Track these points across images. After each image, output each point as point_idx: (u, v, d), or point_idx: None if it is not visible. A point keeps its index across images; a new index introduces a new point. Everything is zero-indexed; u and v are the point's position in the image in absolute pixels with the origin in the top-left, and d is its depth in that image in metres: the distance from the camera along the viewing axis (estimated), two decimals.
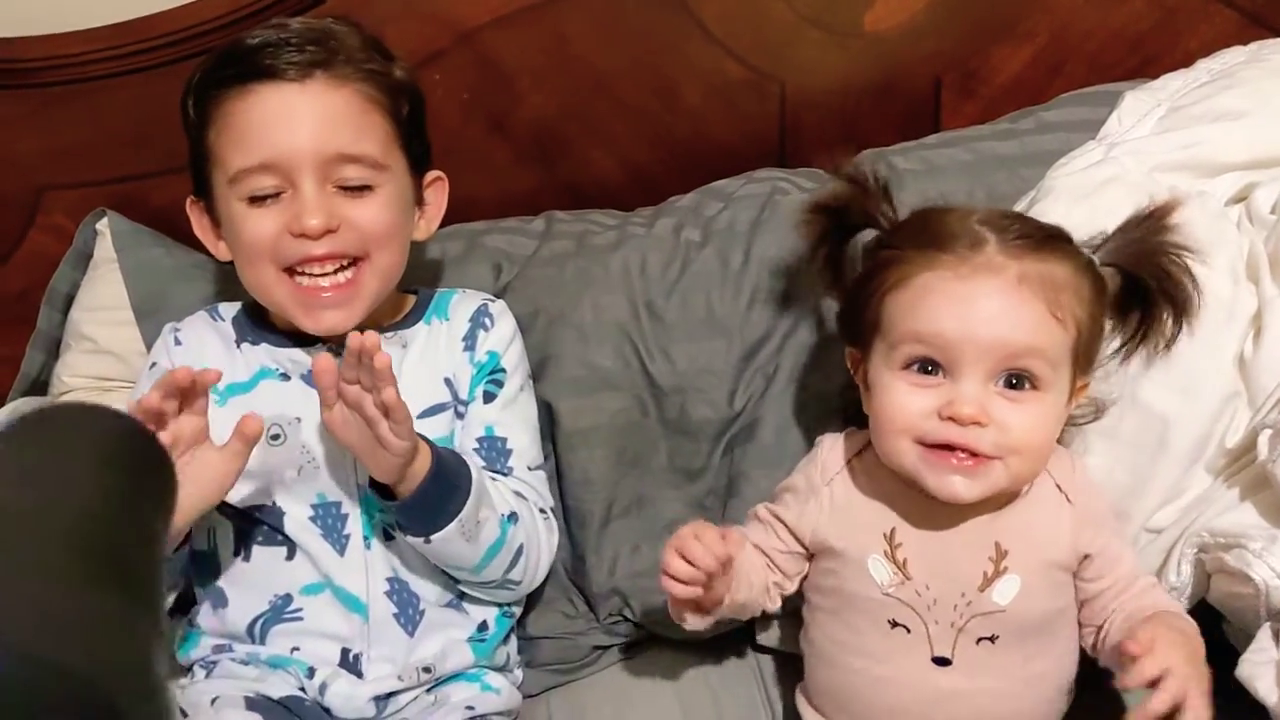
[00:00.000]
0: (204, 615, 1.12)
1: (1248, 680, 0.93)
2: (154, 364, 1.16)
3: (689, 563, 0.96)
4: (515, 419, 1.15)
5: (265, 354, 1.13)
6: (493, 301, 1.20)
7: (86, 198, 1.38)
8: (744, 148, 1.41)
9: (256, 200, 1.06)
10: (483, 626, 1.14)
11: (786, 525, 1.06)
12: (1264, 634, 0.96)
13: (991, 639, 0.98)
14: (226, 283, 1.32)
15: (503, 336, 1.17)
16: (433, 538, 1.03)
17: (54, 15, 1.34)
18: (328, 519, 1.09)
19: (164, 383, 0.96)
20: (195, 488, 0.98)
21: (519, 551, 1.10)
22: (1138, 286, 1.03)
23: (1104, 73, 1.36)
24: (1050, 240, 0.98)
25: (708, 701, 1.19)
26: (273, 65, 1.04)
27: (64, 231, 1.38)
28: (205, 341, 1.15)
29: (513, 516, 1.09)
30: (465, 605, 1.13)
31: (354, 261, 1.07)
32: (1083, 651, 1.03)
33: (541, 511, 1.15)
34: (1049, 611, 1.00)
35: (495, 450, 1.14)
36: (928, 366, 0.96)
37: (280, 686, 1.07)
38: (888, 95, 1.40)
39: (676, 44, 1.37)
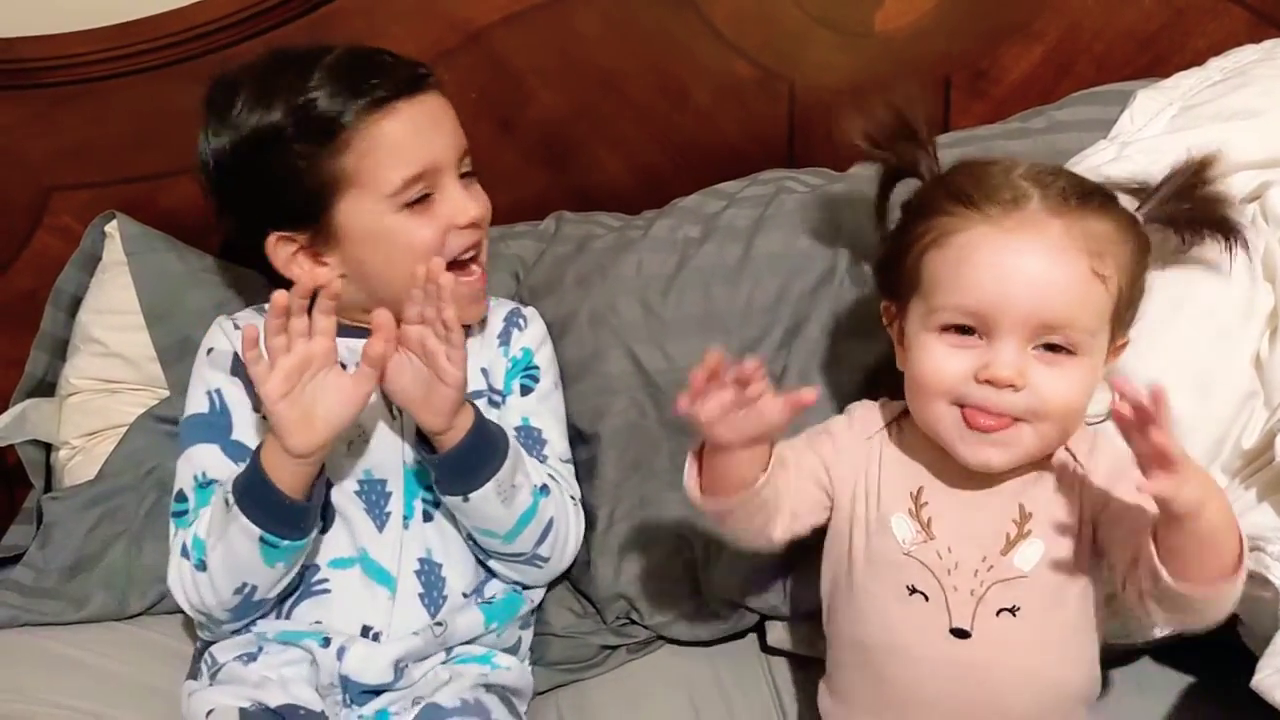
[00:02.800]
0: None
1: (1266, 691, 0.92)
2: (211, 349, 1.18)
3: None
4: (549, 413, 1.22)
5: None
6: (525, 306, 1.27)
7: (94, 199, 1.38)
8: (753, 148, 1.40)
9: (414, 204, 1.11)
10: (491, 600, 1.17)
11: (822, 459, 1.04)
12: None
13: (1012, 610, 0.96)
14: (238, 287, 1.32)
15: (536, 336, 1.24)
16: (471, 496, 1.09)
17: (57, 16, 1.33)
18: (372, 495, 1.14)
19: (274, 309, 1.03)
20: (330, 407, 1.04)
21: (549, 525, 1.15)
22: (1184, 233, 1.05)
23: (1113, 72, 1.35)
24: (1094, 195, 0.96)
25: (719, 703, 1.19)
26: (402, 82, 1.11)
27: (71, 233, 1.38)
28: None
29: (544, 489, 1.15)
30: (486, 592, 1.17)
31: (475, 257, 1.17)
32: (1104, 647, 1.02)
33: (571, 498, 1.20)
34: (1071, 584, 0.98)
35: (531, 439, 1.20)
36: (966, 328, 0.95)
37: (278, 694, 1.08)
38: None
39: (686, 44, 1.37)
